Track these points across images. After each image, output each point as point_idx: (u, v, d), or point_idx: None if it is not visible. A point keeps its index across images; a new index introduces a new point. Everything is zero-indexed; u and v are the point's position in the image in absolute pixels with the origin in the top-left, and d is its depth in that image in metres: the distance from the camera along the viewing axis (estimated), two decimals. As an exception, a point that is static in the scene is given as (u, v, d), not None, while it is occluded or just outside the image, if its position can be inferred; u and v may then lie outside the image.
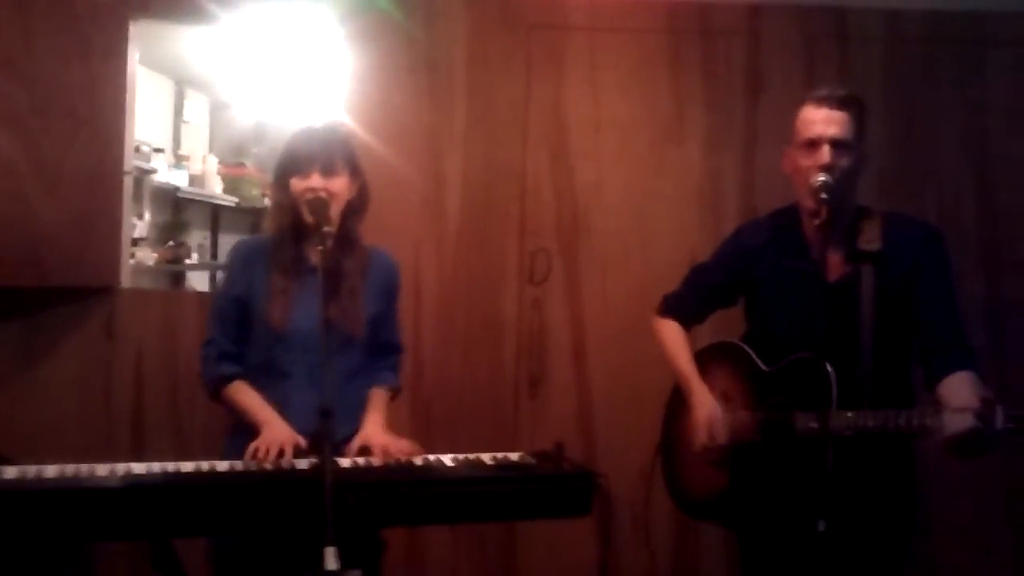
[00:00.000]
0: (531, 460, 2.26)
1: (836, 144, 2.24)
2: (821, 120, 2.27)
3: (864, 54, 3.51)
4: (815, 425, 2.16)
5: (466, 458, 2.27)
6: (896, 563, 2.32)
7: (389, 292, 2.55)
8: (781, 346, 2.34)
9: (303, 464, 2.19)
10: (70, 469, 2.05)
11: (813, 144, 2.26)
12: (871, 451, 2.20)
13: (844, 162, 2.24)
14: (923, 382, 2.22)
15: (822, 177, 2.21)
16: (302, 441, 2.26)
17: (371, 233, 2.56)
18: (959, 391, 2.05)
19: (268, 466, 2.15)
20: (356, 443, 2.34)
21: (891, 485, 2.30)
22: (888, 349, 2.26)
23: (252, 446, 2.21)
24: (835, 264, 2.32)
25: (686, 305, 2.62)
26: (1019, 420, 1.94)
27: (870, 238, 2.29)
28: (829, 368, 2.14)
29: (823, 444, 2.11)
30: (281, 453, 2.19)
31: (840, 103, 2.27)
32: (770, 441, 2.31)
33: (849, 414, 2.13)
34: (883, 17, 3.52)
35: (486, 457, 2.27)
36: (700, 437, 2.40)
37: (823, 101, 2.28)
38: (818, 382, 2.15)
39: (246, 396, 2.37)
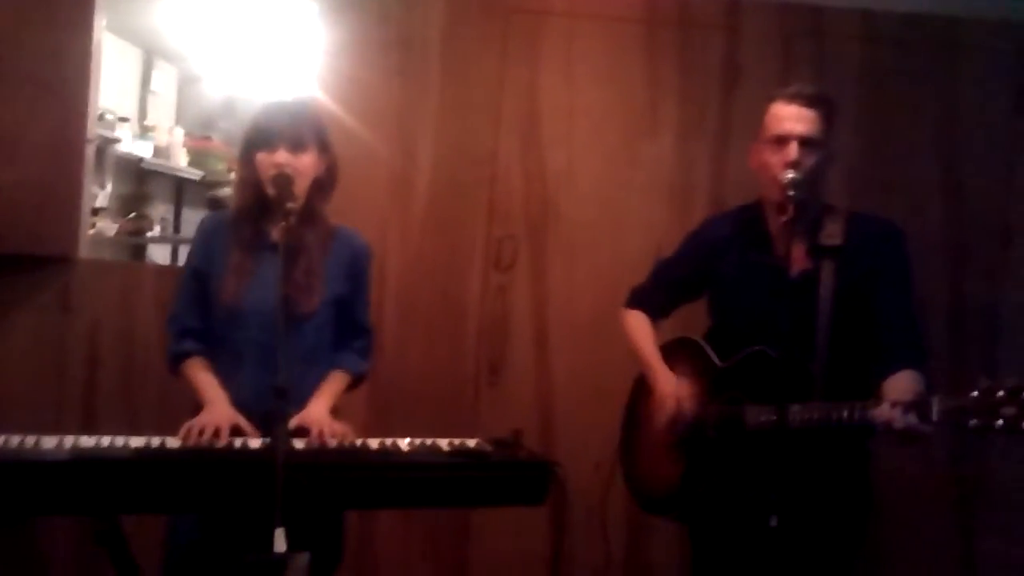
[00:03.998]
0: (488, 447, 2.25)
1: (804, 142, 2.26)
2: (790, 117, 2.29)
3: (840, 53, 3.51)
4: (764, 419, 2.18)
5: (422, 443, 2.25)
6: (847, 558, 2.32)
7: (357, 273, 2.48)
8: (743, 341, 2.33)
9: (256, 443, 2.15)
10: (14, 440, 2.01)
11: (781, 140, 2.28)
12: (824, 446, 2.21)
13: (811, 159, 2.26)
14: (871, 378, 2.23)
15: (791, 174, 2.22)
16: (243, 422, 2.23)
17: (338, 213, 2.51)
18: (897, 387, 2.09)
19: (203, 445, 2.11)
20: (294, 422, 2.27)
21: (844, 481, 2.31)
22: (846, 345, 2.26)
23: (186, 424, 2.18)
24: (797, 259, 2.33)
25: (652, 298, 2.62)
26: (952, 414, 1.93)
27: (831, 233, 2.31)
28: (778, 360, 2.16)
29: (774, 438, 2.12)
30: (217, 433, 2.16)
31: (810, 101, 2.29)
32: (722, 435, 2.31)
33: (795, 407, 2.13)
34: (859, 17, 3.52)
35: (443, 442, 2.25)
36: (668, 408, 2.39)
37: (793, 98, 2.30)
38: (770, 376, 2.17)
39: (198, 374, 2.34)
